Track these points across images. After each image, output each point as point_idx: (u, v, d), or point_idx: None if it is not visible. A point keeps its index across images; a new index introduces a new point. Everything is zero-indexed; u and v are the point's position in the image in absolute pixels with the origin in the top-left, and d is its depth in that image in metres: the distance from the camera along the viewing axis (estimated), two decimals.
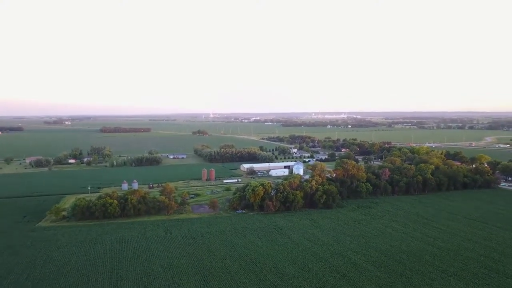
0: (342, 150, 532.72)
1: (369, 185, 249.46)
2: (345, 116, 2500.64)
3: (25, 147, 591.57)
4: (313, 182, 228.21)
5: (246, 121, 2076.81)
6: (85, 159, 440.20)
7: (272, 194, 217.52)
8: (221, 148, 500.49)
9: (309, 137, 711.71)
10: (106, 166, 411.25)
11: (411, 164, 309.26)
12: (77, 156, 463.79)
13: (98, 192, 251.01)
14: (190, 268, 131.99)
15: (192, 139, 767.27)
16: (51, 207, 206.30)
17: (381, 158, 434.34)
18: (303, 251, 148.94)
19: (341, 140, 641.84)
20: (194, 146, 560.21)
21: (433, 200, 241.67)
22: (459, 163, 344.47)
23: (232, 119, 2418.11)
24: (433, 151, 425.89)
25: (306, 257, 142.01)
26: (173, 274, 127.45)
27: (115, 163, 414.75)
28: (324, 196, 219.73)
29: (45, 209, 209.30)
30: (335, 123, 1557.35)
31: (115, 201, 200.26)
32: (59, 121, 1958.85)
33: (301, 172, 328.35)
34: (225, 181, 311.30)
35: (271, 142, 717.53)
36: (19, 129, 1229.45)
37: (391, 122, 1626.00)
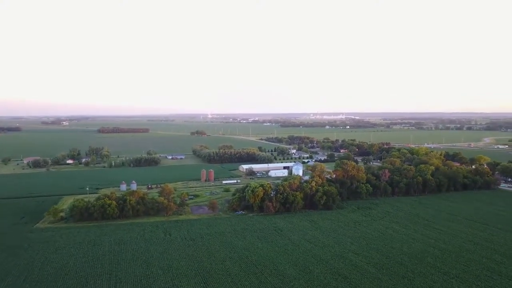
0: (341, 151, 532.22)
1: (369, 186, 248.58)
2: (343, 116, 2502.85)
3: (22, 148, 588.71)
4: (313, 183, 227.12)
5: (244, 121, 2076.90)
6: (83, 160, 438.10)
7: (272, 195, 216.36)
8: (220, 148, 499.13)
9: (308, 138, 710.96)
10: (104, 167, 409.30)
11: (410, 165, 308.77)
12: (75, 156, 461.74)
13: (96, 193, 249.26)
14: (190, 270, 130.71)
15: (190, 140, 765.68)
16: (49, 208, 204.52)
17: (380, 159, 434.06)
18: (303, 252, 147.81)
19: (340, 141, 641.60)
20: (193, 146, 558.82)
21: (433, 201, 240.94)
22: (459, 164, 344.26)
23: (231, 119, 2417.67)
24: (432, 152, 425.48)
25: (307, 259, 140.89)
26: (172, 276, 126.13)
27: (113, 164, 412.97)
28: (324, 197, 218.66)
29: (43, 210, 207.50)
30: (333, 124, 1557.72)
31: (114, 202, 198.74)
32: (57, 121, 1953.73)
33: (301, 173, 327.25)
34: (224, 182, 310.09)
35: (270, 142, 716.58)
36: (16, 129, 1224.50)
37: (389, 123, 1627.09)
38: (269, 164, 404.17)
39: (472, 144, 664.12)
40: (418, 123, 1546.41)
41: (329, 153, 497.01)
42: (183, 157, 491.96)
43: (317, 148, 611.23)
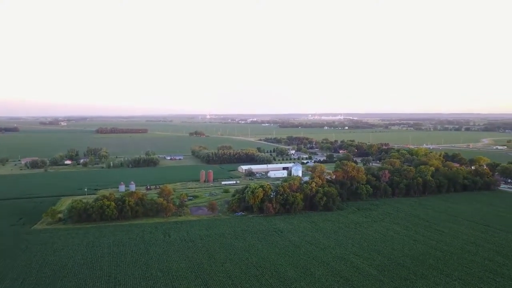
0: (340, 152, 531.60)
1: (369, 187, 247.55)
2: (342, 117, 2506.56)
3: (20, 148, 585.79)
4: (313, 184, 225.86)
5: (243, 122, 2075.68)
6: (82, 160, 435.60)
7: (272, 196, 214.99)
8: (219, 149, 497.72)
9: (307, 139, 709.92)
10: (102, 167, 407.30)
11: (410, 166, 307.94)
12: (73, 157, 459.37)
13: (94, 194, 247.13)
14: (189, 272, 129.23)
15: (189, 140, 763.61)
16: (47, 209, 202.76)
17: (380, 160, 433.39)
18: (304, 254, 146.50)
19: (339, 142, 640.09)
20: (191, 147, 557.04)
21: (433, 202, 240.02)
22: (458, 165, 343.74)
23: (229, 120, 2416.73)
24: (431, 152, 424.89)
25: (308, 261, 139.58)
26: (172, 278, 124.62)
27: (111, 164, 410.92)
28: (324, 198, 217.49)
29: (41, 211, 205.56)
30: (331, 125, 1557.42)
31: (113, 203, 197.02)
32: (55, 121, 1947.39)
33: (300, 174, 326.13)
34: (223, 182, 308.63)
35: (269, 143, 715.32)
36: (14, 129, 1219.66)
37: (388, 124, 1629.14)
38: (269, 164, 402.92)
39: (471, 145, 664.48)
40: (416, 124, 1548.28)
41: (328, 153, 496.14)
42: (181, 157, 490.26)
43: (316, 149, 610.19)
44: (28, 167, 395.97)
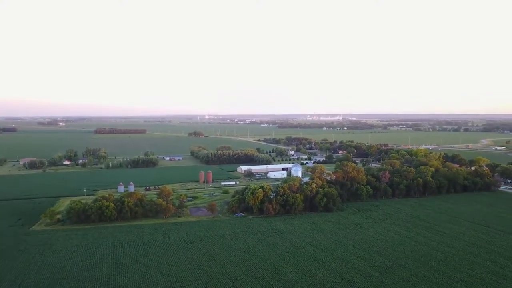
0: (339, 152, 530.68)
1: (369, 188, 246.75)
2: (341, 118, 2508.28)
3: (18, 148, 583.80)
4: (313, 185, 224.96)
5: (242, 122, 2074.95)
6: (80, 161, 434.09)
7: (272, 197, 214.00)
8: (218, 150, 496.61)
9: (306, 139, 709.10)
10: (101, 168, 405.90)
11: (410, 167, 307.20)
12: (72, 157, 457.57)
13: (93, 195, 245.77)
14: (190, 274, 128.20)
15: (188, 141, 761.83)
16: (45, 210, 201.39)
17: (379, 160, 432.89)
18: (305, 256, 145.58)
19: (338, 142, 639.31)
20: (191, 147, 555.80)
21: (433, 203, 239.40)
22: (458, 166, 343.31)
23: (228, 120, 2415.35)
24: (431, 153, 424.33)
25: (309, 262, 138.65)
26: (172, 280, 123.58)
27: (110, 165, 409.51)
28: (325, 199, 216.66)
29: (40, 212, 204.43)
30: (330, 125, 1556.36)
31: (112, 204, 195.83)
32: (53, 122, 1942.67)
33: (300, 174, 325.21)
34: (223, 183, 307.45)
35: (268, 144, 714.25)
36: (12, 130, 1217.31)
37: (387, 124, 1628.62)
38: (268, 165, 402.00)
39: (470, 146, 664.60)
40: (415, 125, 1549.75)
41: (327, 154, 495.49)
42: (181, 158, 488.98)
43: (315, 149, 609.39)
44: (26, 168, 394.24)
